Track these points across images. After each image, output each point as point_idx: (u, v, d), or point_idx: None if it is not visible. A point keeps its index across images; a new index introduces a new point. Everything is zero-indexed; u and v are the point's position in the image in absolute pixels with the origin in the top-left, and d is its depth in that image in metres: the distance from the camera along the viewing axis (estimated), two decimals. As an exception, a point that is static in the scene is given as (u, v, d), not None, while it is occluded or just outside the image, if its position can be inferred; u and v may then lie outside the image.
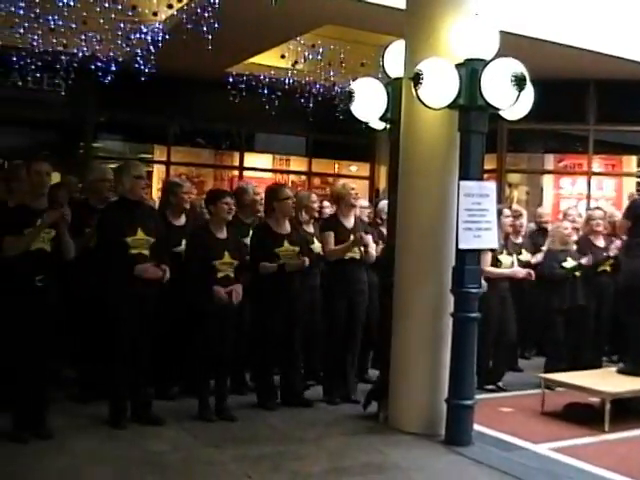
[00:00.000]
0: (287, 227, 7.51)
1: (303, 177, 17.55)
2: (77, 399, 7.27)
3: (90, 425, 6.58)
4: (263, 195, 8.08)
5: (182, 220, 7.68)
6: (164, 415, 6.77)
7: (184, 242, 7.33)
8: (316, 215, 8.37)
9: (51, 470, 5.53)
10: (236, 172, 17.00)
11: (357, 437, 6.60)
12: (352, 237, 7.64)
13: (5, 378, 6.45)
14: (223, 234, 7.08)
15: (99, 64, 13.00)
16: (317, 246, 7.93)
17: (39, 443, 6.02)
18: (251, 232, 7.82)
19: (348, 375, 7.82)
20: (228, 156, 17.27)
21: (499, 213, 8.39)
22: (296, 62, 13.31)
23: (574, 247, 9.20)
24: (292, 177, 17.51)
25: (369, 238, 7.80)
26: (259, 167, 17.25)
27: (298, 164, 17.78)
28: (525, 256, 9.47)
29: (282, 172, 17.55)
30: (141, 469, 5.60)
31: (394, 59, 7.19)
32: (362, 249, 7.72)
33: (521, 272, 8.80)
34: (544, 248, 9.49)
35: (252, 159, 17.14)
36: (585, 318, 9.10)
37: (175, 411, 7.04)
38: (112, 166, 8.71)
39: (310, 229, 8.13)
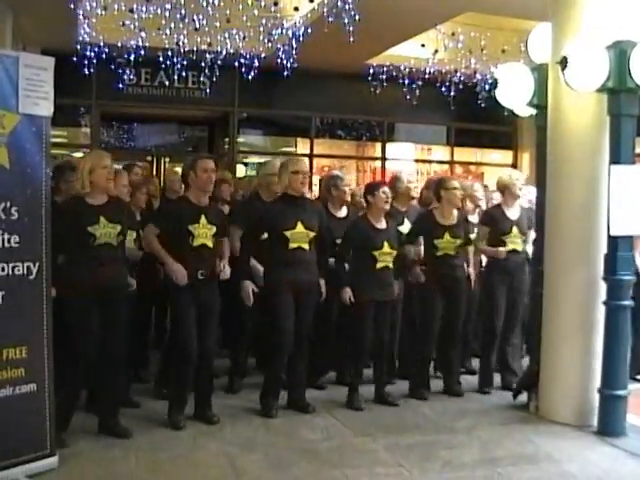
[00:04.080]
0: (453, 218, 7.47)
1: (445, 166, 17.40)
2: (227, 389, 7.48)
3: (242, 414, 6.75)
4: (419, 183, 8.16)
5: (343, 212, 7.78)
6: (315, 404, 6.90)
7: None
8: (481, 204, 8.31)
9: (206, 455, 5.70)
10: (378, 163, 17.02)
11: (508, 427, 6.54)
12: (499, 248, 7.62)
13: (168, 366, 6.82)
14: (382, 224, 7.14)
15: (242, 61, 13.26)
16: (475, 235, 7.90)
17: (193, 430, 6.24)
18: (406, 220, 7.87)
19: (514, 364, 7.80)
20: (370, 147, 17.29)
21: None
22: (436, 51, 13.22)
23: None
24: (434, 166, 17.39)
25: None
26: (401, 157, 17.19)
27: (440, 153, 17.65)
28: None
29: (424, 162, 17.46)
30: (293, 456, 5.70)
31: (539, 44, 7.07)
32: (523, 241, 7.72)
33: None
34: None
35: (394, 149, 17.09)
36: None
37: (325, 400, 7.17)
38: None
39: (474, 219, 8.09)
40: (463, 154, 17.73)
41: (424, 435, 6.27)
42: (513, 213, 7.73)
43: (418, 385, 7.45)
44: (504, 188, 7.86)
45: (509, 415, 6.92)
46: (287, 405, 6.89)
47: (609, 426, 6.29)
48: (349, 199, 8.03)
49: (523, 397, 7.12)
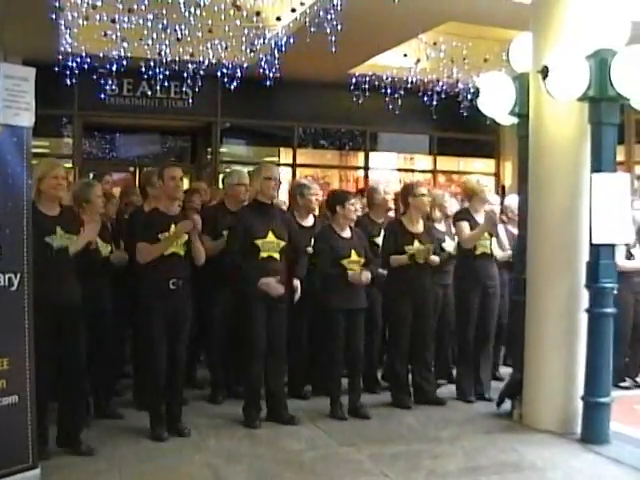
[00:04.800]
0: (420, 226, 7.48)
1: (428, 175, 17.43)
2: (210, 400, 7.47)
3: (226, 425, 6.72)
4: (394, 194, 8.23)
5: (310, 221, 7.75)
6: (297, 414, 6.87)
7: (313, 242, 7.41)
8: (449, 214, 8.34)
9: (191, 467, 5.66)
10: (361, 172, 17.04)
11: (492, 435, 6.55)
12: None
13: (142, 378, 6.82)
14: (347, 233, 7.14)
15: (224, 71, 13.25)
16: (448, 245, 7.91)
17: (177, 441, 6.22)
18: (382, 230, 7.84)
19: (481, 373, 7.77)
20: (353, 156, 17.32)
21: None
22: (418, 60, 13.24)
23: None
24: (417, 175, 17.40)
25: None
26: (384, 167, 17.21)
27: (423, 162, 17.68)
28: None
29: (407, 171, 17.49)
30: (278, 467, 5.68)
31: (520, 53, 7.10)
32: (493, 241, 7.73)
33: None
34: None
35: (376, 159, 17.13)
36: None
37: (308, 410, 7.15)
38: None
39: (442, 228, 8.10)
40: (446, 163, 17.76)
41: (408, 445, 6.26)
42: (480, 218, 7.74)
43: (398, 394, 7.45)
44: (472, 194, 7.87)
45: (493, 424, 6.92)
46: (268, 418, 6.84)
47: (593, 433, 6.30)
48: (316, 208, 8.00)
49: (507, 405, 7.12)
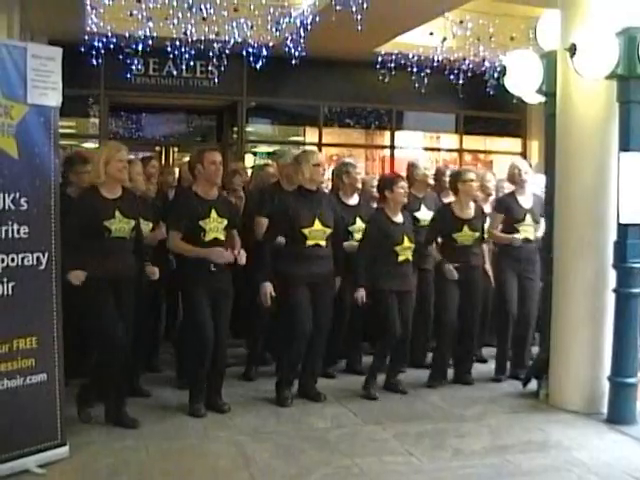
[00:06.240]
0: (470, 211, 7.45)
1: (454, 154, 17.34)
2: (244, 376, 7.57)
3: (252, 402, 6.79)
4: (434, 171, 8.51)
5: (355, 199, 7.78)
6: (325, 393, 6.93)
7: (358, 220, 7.52)
8: (492, 193, 8.33)
9: (217, 445, 5.71)
10: (387, 151, 16.96)
11: (518, 415, 6.56)
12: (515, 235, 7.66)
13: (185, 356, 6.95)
14: (399, 218, 7.15)
15: (250, 50, 13.23)
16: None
17: (204, 419, 6.27)
18: (423, 206, 8.00)
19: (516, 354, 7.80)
20: (379, 135, 17.20)
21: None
22: (445, 39, 13.13)
23: None
24: (443, 154, 17.33)
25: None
26: (410, 145, 17.13)
27: (449, 141, 17.57)
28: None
29: (433, 150, 17.40)
30: (303, 445, 5.71)
31: (548, 31, 7.06)
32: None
33: None
34: None
35: (402, 137, 17.02)
36: None
37: (335, 389, 7.19)
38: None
39: (486, 208, 8.06)
40: (472, 142, 17.62)
41: (434, 423, 6.28)
42: (526, 201, 7.71)
43: (436, 374, 7.49)
44: (512, 177, 7.85)
45: (519, 403, 6.93)
46: (298, 394, 6.90)
47: (619, 414, 6.30)
48: (360, 186, 8.01)
49: (533, 385, 7.13)
